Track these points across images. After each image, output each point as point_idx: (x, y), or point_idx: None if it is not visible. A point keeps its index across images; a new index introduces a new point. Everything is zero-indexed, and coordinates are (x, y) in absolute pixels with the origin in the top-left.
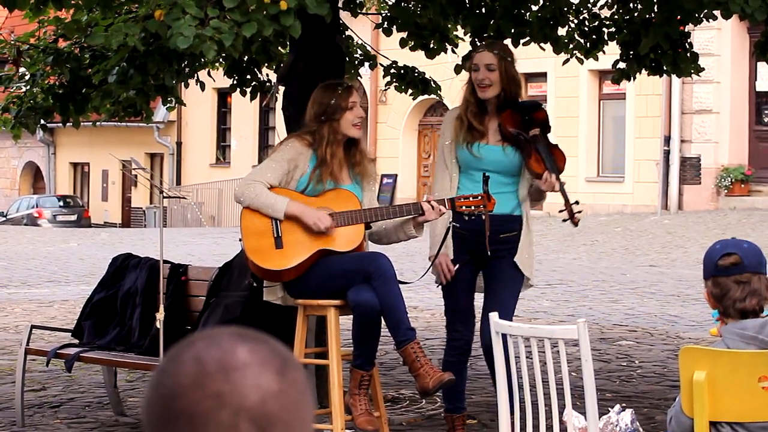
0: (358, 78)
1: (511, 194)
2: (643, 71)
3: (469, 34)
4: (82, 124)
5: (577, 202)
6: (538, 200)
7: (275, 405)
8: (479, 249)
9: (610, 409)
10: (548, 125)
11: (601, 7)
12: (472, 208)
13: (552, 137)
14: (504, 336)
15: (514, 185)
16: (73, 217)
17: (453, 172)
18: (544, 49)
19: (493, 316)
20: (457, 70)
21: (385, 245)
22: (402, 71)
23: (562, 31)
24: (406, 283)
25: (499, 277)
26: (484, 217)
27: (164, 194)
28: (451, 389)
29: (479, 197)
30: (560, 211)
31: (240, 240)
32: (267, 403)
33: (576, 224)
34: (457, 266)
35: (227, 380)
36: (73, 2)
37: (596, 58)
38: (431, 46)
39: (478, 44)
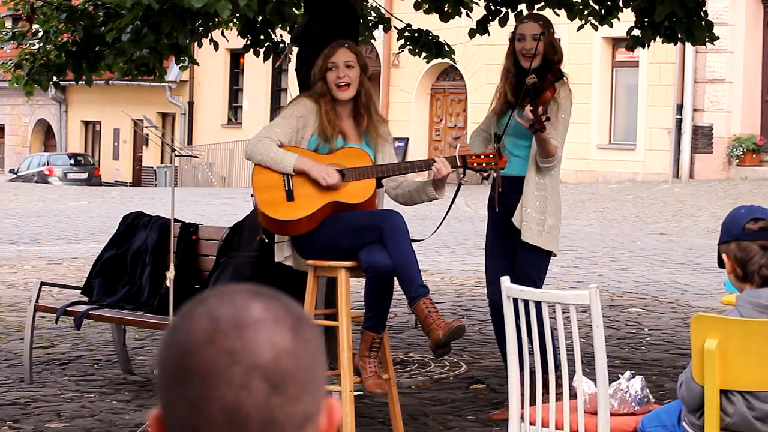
0: (372, 41)
1: (525, 159)
2: (658, 39)
3: None
4: (94, 82)
5: (548, 118)
6: (543, 157)
7: (288, 363)
8: (502, 211)
9: (619, 375)
10: (548, 69)
11: None
12: (484, 165)
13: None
14: (515, 300)
15: (527, 149)
16: (84, 176)
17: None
18: (558, 15)
19: (505, 280)
20: (471, 34)
21: (410, 206)
22: (416, 34)
23: None
24: (417, 240)
25: (521, 246)
26: (495, 174)
27: (176, 152)
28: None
29: (490, 155)
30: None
31: (252, 196)
32: (280, 361)
33: (540, 130)
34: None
35: (240, 337)
36: None
37: (611, 25)
38: (446, 9)
39: (523, 17)
